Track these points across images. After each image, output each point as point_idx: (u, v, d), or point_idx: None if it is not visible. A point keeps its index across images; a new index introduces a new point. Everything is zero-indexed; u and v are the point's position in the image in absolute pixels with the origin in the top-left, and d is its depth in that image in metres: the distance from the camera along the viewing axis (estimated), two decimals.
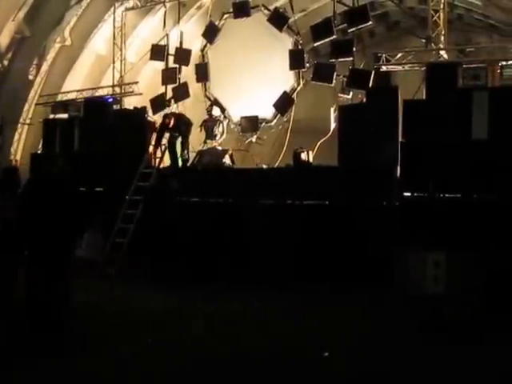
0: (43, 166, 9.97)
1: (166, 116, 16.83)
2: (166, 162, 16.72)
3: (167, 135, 16.40)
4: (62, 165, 9.84)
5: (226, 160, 16.58)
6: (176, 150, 16.26)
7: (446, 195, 12.80)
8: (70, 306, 9.44)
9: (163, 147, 16.53)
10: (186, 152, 16.27)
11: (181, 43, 19.53)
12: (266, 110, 18.35)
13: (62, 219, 8.97)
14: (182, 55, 19.28)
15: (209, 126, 17.84)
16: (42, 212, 8.93)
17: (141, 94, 19.67)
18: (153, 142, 16.57)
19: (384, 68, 15.20)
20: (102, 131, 17.10)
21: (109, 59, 22.06)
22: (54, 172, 9.62)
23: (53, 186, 9.28)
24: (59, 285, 9.17)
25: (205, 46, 19.52)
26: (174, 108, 19.06)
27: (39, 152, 19.84)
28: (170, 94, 19.21)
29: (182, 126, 16.29)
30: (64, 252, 9.15)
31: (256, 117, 18.48)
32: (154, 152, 16.51)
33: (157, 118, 18.24)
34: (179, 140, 16.25)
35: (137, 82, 19.96)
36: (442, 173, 12.52)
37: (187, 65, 19.40)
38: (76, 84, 22.59)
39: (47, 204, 8.98)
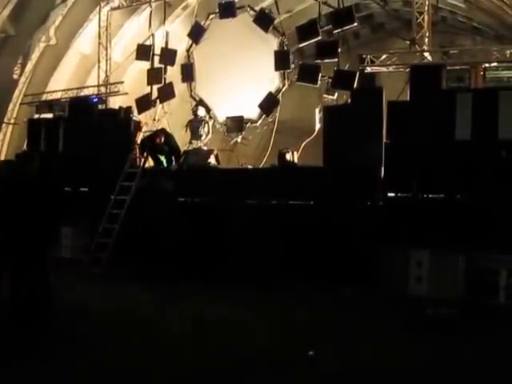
0: (17, 164, 9.90)
1: (156, 133, 16.90)
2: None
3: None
4: (37, 162, 9.84)
5: (212, 160, 16.60)
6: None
7: (430, 195, 12.88)
8: (53, 306, 9.46)
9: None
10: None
11: (166, 43, 19.53)
12: (251, 111, 18.40)
13: (35, 216, 8.99)
14: (168, 55, 19.29)
15: (194, 126, 17.87)
16: (14, 210, 8.96)
17: (126, 93, 19.67)
18: (138, 142, 16.62)
19: (369, 69, 15.27)
20: (87, 131, 17.04)
21: (94, 59, 22.04)
22: (28, 170, 9.62)
23: (25, 184, 9.29)
24: (38, 283, 9.21)
25: (190, 46, 19.56)
26: (159, 109, 19.10)
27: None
28: (155, 94, 19.22)
29: (169, 147, 16.45)
30: (39, 250, 9.18)
31: (241, 117, 18.53)
32: (139, 152, 16.55)
33: (142, 118, 18.26)
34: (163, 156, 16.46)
35: (122, 82, 19.96)
36: (425, 173, 12.60)
37: (173, 65, 19.40)
38: (61, 84, 22.52)
39: (19, 202, 9.00)
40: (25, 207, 8.99)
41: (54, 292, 9.57)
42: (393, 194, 13.22)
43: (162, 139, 16.53)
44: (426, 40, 15.52)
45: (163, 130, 17.21)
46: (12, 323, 8.97)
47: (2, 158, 22.53)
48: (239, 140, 18.75)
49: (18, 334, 8.64)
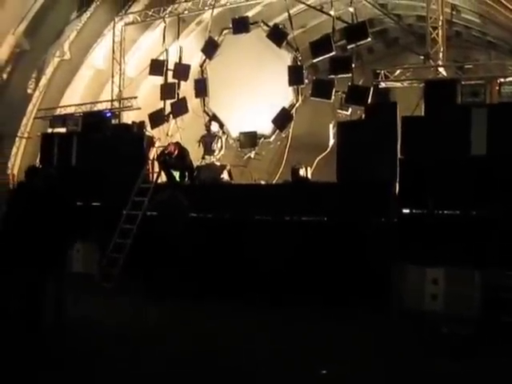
0: (28, 178, 9.90)
1: (170, 144, 16.91)
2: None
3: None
4: (48, 176, 9.82)
5: (224, 176, 16.56)
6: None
7: (445, 211, 12.75)
8: (62, 320, 9.42)
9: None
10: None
11: (180, 58, 19.53)
12: (264, 126, 18.32)
13: (46, 229, 8.96)
14: (181, 70, 19.28)
15: (207, 141, 17.85)
16: (26, 223, 8.93)
17: (139, 108, 19.61)
18: (151, 158, 16.61)
19: (383, 84, 15.14)
20: (100, 146, 17.09)
21: (108, 74, 22.05)
22: (39, 184, 9.59)
23: (36, 197, 9.27)
24: (48, 295, 9.18)
25: (204, 61, 19.53)
26: (172, 124, 19.08)
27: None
28: (168, 109, 19.19)
29: (183, 163, 16.43)
30: (49, 263, 9.14)
31: (254, 132, 18.46)
32: (152, 167, 16.54)
33: (155, 133, 18.23)
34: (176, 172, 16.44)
35: (135, 97, 19.90)
36: (440, 189, 12.49)
37: (186, 80, 19.40)
38: (75, 98, 22.59)
39: (30, 215, 8.97)
40: (31, 221, 8.97)
41: (65, 306, 9.53)
42: (407, 211, 13.11)
43: (176, 151, 16.51)
44: (441, 55, 15.40)
45: (178, 143, 17.17)
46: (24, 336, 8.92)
47: (15, 172, 22.56)
48: (252, 155, 18.68)
49: (30, 347, 8.57)
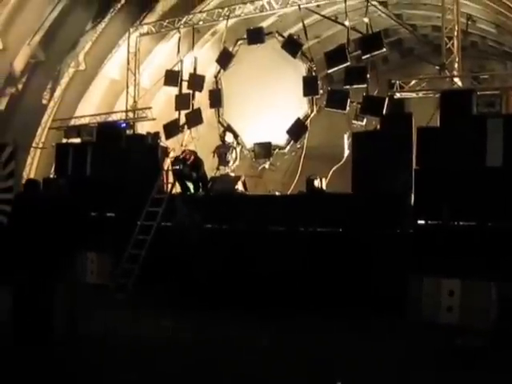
0: (37, 188, 9.92)
1: (188, 151, 16.95)
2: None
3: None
4: (59, 187, 9.83)
5: (239, 186, 16.53)
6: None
7: (461, 223, 12.65)
8: (75, 332, 9.41)
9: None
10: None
11: (195, 69, 19.59)
12: (279, 137, 18.32)
13: (54, 239, 8.97)
14: (196, 81, 19.32)
15: (222, 152, 17.83)
16: (31, 234, 8.94)
17: (154, 119, 19.65)
18: (165, 168, 16.63)
19: (398, 95, 15.08)
20: (114, 156, 17.11)
21: (122, 84, 22.10)
22: (49, 194, 9.60)
23: (40, 208, 9.28)
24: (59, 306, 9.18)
25: (218, 71, 19.55)
26: (187, 135, 19.10)
27: (51, 176, 19.84)
28: (183, 120, 19.21)
29: (197, 173, 16.45)
30: (58, 273, 9.14)
31: (269, 143, 18.45)
32: (167, 178, 16.55)
33: (170, 144, 18.24)
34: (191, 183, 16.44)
35: (150, 108, 19.94)
36: (456, 200, 12.39)
37: (201, 90, 19.45)
38: (89, 109, 22.64)
39: (36, 226, 8.98)
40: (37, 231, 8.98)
41: (77, 317, 9.52)
42: (423, 222, 13.02)
43: (191, 158, 16.53)
44: (456, 65, 15.30)
45: (194, 152, 17.18)
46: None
47: None
48: (267, 166, 18.67)
49: (40, 359, 8.55)
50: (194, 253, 14.16)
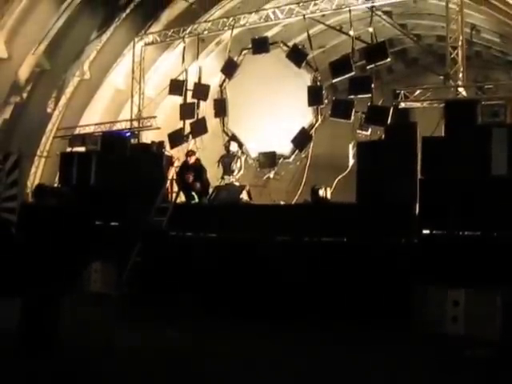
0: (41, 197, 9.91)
1: (189, 153, 17.01)
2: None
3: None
4: (63, 195, 9.81)
5: (243, 196, 16.50)
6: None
7: (466, 232, 12.62)
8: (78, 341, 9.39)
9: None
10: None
11: (199, 78, 19.62)
12: (283, 146, 18.31)
13: (58, 249, 8.95)
14: (201, 90, 19.35)
15: (226, 161, 17.82)
16: (36, 242, 8.92)
17: (159, 128, 19.67)
18: (170, 177, 16.64)
19: (402, 105, 15.10)
20: (119, 165, 17.09)
21: (127, 93, 22.18)
22: (52, 203, 9.58)
23: (49, 217, 9.26)
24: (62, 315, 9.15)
25: (223, 81, 19.56)
26: (191, 145, 19.11)
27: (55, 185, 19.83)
28: (188, 129, 19.24)
29: (200, 177, 16.49)
30: (63, 283, 9.11)
31: (274, 153, 18.45)
32: (171, 187, 16.56)
33: (174, 153, 18.25)
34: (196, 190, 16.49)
35: (155, 117, 19.98)
36: (461, 210, 12.36)
37: (205, 100, 19.46)
38: (94, 118, 22.70)
39: (42, 235, 8.96)
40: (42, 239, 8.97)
41: (80, 327, 9.50)
42: (428, 231, 12.98)
43: (193, 159, 16.62)
44: (461, 75, 15.32)
45: (194, 152, 17.33)
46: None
47: None
48: (272, 176, 18.66)
49: (48, 370, 8.53)
50: (198, 262, 14.18)
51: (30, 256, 8.98)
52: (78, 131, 20.71)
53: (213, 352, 10.23)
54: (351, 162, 16.40)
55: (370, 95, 16.18)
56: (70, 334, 9.57)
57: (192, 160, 16.85)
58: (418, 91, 15.24)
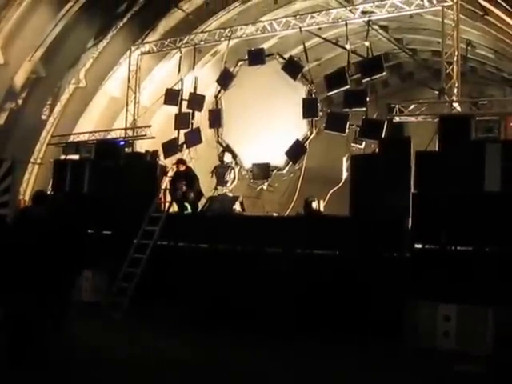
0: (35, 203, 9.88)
1: (178, 161, 17.02)
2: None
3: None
4: (56, 202, 9.78)
5: (236, 207, 16.48)
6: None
7: (458, 247, 12.62)
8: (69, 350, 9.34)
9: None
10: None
11: (195, 88, 19.64)
12: (277, 158, 18.30)
13: (53, 257, 8.89)
14: (196, 100, 19.37)
15: (220, 172, 17.81)
16: (31, 250, 8.86)
17: (153, 137, 19.67)
18: (163, 187, 16.62)
19: (397, 119, 15.13)
20: (112, 174, 17.06)
21: (122, 102, 22.17)
22: (43, 210, 9.55)
23: (41, 224, 9.21)
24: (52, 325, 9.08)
25: (219, 92, 19.57)
26: (185, 154, 19.10)
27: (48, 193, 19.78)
28: (182, 139, 19.23)
29: (192, 185, 16.49)
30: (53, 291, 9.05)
31: (268, 164, 18.44)
32: (164, 196, 16.54)
33: (168, 163, 18.24)
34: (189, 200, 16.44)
35: (149, 126, 19.98)
36: (454, 225, 12.37)
37: (200, 110, 19.48)
38: (89, 125, 22.70)
39: (35, 242, 8.91)
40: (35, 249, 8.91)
41: (72, 335, 9.45)
42: (420, 246, 12.98)
43: (184, 167, 16.66)
44: (455, 90, 15.35)
45: (184, 161, 17.34)
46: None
47: (27, 198, 22.55)
48: (265, 187, 18.64)
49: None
50: (190, 272, 14.15)
51: (19, 264, 8.92)
52: (72, 139, 20.66)
53: (200, 361, 10.25)
54: (345, 174, 16.41)
55: (364, 109, 16.24)
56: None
57: (182, 168, 16.81)
58: (412, 105, 15.27)
